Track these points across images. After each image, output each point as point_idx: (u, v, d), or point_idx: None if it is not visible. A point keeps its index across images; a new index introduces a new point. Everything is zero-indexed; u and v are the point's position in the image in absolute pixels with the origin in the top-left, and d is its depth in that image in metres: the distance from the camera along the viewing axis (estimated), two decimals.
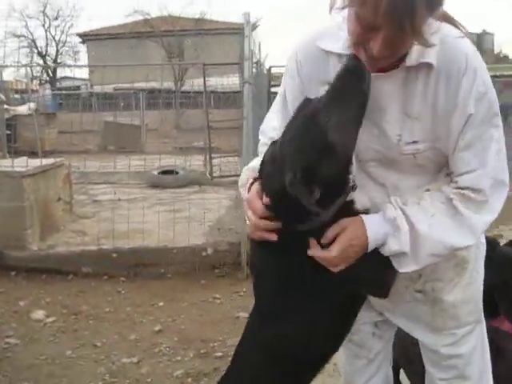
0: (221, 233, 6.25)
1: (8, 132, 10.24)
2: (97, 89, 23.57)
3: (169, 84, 25.59)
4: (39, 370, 3.65)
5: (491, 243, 2.10)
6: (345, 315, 1.80)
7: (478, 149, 1.56)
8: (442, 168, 1.68)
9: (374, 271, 1.68)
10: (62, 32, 42.25)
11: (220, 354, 3.84)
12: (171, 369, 3.69)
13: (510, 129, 13.24)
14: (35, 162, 6.34)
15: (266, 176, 1.65)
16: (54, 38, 42.10)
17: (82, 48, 40.62)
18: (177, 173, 11.08)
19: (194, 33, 30.04)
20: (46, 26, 41.37)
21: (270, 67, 10.54)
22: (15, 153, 10.06)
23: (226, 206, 7.65)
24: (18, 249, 5.74)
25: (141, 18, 33.57)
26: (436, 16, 1.43)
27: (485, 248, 1.88)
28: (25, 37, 40.31)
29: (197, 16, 32.79)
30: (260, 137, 1.93)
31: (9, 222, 5.75)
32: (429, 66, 1.51)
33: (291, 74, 1.75)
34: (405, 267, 1.63)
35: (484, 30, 47.00)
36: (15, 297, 4.96)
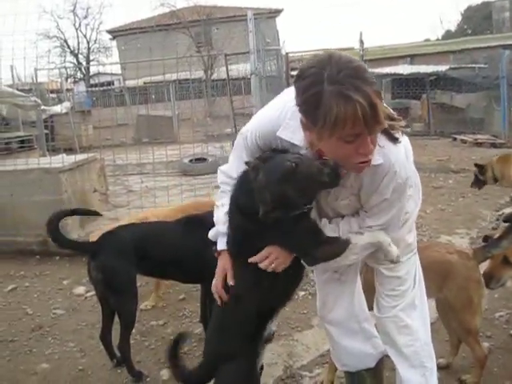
0: None
1: (46, 131, 10.87)
2: (129, 83, 24.18)
3: (199, 73, 25.99)
4: (81, 334, 4.40)
5: None
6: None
7: (387, 213, 2.28)
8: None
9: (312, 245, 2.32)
10: (92, 29, 43.27)
11: None
12: (192, 328, 4.32)
13: None
14: (70, 158, 7.01)
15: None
16: (85, 36, 43.14)
17: (113, 43, 41.37)
18: (207, 160, 11.66)
19: (220, 21, 30.38)
20: (77, 25, 42.38)
21: (287, 53, 11.00)
22: (53, 151, 10.73)
23: None
24: None
25: (167, 10, 34.01)
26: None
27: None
28: (57, 37, 41.38)
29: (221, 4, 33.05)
30: (220, 174, 2.55)
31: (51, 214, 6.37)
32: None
33: (251, 145, 2.37)
34: None
35: None
36: (59, 277, 5.73)
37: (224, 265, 2.46)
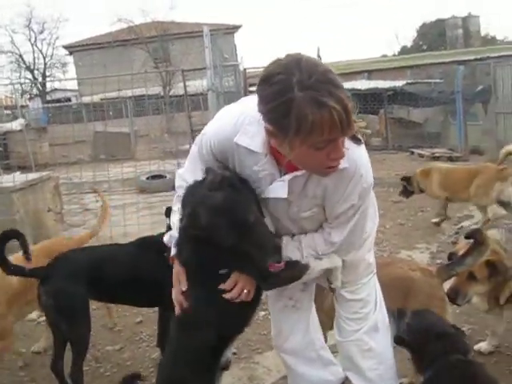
0: None
1: None
2: (86, 100, 23.89)
3: (156, 89, 25.84)
4: (33, 361, 4.18)
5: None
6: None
7: (354, 222, 2.21)
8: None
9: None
10: (49, 45, 42.46)
11: None
12: (149, 353, 4.17)
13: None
14: (22, 177, 6.80)
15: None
16: (40, 51, 42.33)
17: (70, 59, 40.79)
18: (165, 177, 11.52)
19: (177, 37, 30.34)
20: (32, 40, 41.68)
21: (245, 69, 10.98)
22: (8, 169, 10.48)
23: None
24: None
25: (125, 25, 33.80)
26: None
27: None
28: (12, 52, 40.66)
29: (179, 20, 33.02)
30: (177, 177, 2.46)
31: None
32: None
33: (206, 152, 2.26)
34: None
35: (469, 13, 47.30)
36: None
37: (179, 271, 2.32)
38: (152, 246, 3.55)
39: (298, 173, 2.06)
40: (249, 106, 2.03)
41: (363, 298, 2.49)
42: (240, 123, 2.09)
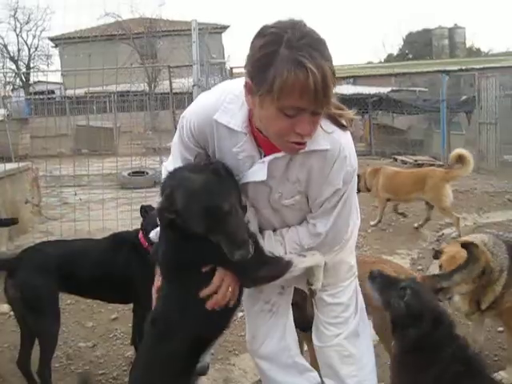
0: None
1: None
2: (70, 93, 23.65)
3: (142, 86, 25.65)
4: (2, 356, 4.05)
5: None
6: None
7: (338, 211, 2.12)
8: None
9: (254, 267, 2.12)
10: (34, 36, 41.91)
11: None
12: (123, 350, 4.07)
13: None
14: (1, 167, 6.64)
15: None
16: (25, 42, 41.76)
17: (55, 52, 40.36)
18: (147, 173, 11.40)
19: (165, 34, 30.16)
20: (18, 30, 41.19)
21: (231, 68, 10.90)
22: None
23: None
24: None
25: (112, 20, 33.53)
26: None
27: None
28: None
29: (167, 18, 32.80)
30: (163, 169, 2.33)
31: None
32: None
33: (187, 135, 2.16)
34: None
35: (455, 24, 47.70)
36: None
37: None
38: (125, 241, 3.49)
39: (279, 154, 1.98)
40: (231, 86, 2.02)
41: (344, 302, 2.42)
42: (221, 101, 2.03)
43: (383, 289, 2.44)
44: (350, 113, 2.04)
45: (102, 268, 3.41)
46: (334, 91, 1.78)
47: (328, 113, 1.93)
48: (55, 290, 3.35)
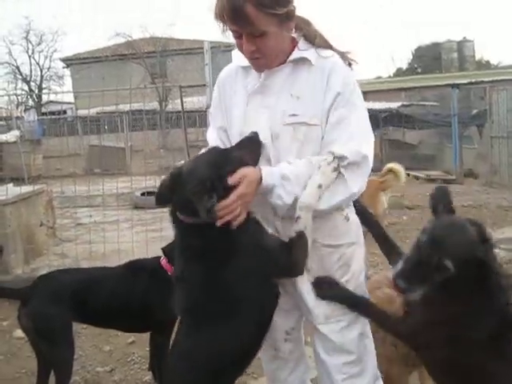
0: None
1: None
2: (81, 113, 23.80)
3: (153, 105, 25.78)
4: (20, 382, 4.04)
5: None
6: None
7: (346, 124, 2.13)
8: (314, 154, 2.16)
9: (285, 256, 2.12)
10: (46, 57, 42.38)
11: None
12: (141, 375, 4.06)
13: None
14: (16, 190, 6.68)
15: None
16: (37, 63, 42.23)
17: (67, 72, 40.75)
18: None
19: (175, 53, 30.37)
20: (30, 51, 41.66)
21: None
22: (1, 180, 10.33)
23: None
24: (2, 273, 6.07)
25: (123, 40, 33.82)
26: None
27: (363, 251, 2.29)
28: (8, 63, 40.60)
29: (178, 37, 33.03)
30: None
31: None
32: (309, 62, 2.18)
33: (217, 92, 2.45)
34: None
35: (464, 37, 47.74)
36: None
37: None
38: (142, 269, 3.46)
39: (274, 69, 2.22)
40: None
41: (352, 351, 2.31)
42: (237, 57, 2.35)
43: None
44: (350, 53, 2.28)
45: (118, 297, 3.37)
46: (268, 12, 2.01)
47: (337, 50, 2.24)
48: (69, 320, 3.31)
